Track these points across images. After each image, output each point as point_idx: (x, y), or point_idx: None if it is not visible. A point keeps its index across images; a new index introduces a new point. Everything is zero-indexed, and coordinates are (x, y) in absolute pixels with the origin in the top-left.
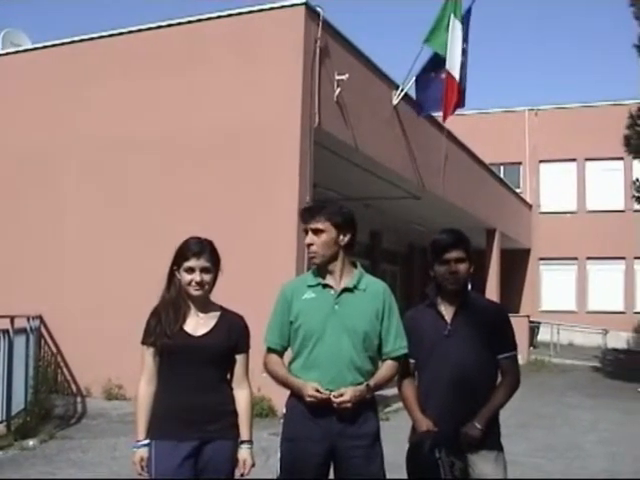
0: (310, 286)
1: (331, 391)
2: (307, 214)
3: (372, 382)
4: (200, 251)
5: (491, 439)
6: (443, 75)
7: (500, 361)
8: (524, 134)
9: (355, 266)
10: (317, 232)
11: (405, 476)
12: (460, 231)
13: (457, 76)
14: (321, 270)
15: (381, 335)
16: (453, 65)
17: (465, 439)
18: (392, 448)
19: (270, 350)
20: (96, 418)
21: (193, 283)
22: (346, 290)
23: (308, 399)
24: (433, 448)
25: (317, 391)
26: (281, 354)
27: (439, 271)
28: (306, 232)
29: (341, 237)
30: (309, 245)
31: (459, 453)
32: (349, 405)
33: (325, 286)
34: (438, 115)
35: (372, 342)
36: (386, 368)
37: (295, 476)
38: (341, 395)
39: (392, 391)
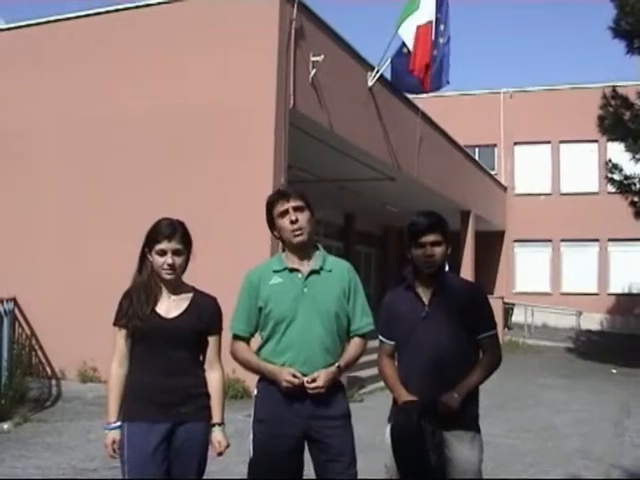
0: (276, 271)
1: (304, 374)
2: (285, 193)
3: (342, 362)
4: (172, 233)
5: (469, 420)
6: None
7: (480, 341)
8: (499, 116)
9: (317, 248)
10: (298, 209)
11: (378, 455)
12: (437, 214)
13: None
14: (287, 254)
15: (348, 314)
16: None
17: (443, 408)
18: (366, 429)
19: (236, 337)
20: (71, 401)
21: (165, 266)
22: (313, 272)
23: (285, 384)
24: (420, 418)
25: (294, 376)
26: (248, 341)
27: (415, 254)
28: (284, 214)
29: (313, 217)
30: (294, 222)
31: (438, 426)
32: (322, 390)
33: (292, 270)
34: (413, 97)
35: (342, 322)
36: (353, 346)
37: (269, 457)
38: (314, 380)
39: (367, 373)
